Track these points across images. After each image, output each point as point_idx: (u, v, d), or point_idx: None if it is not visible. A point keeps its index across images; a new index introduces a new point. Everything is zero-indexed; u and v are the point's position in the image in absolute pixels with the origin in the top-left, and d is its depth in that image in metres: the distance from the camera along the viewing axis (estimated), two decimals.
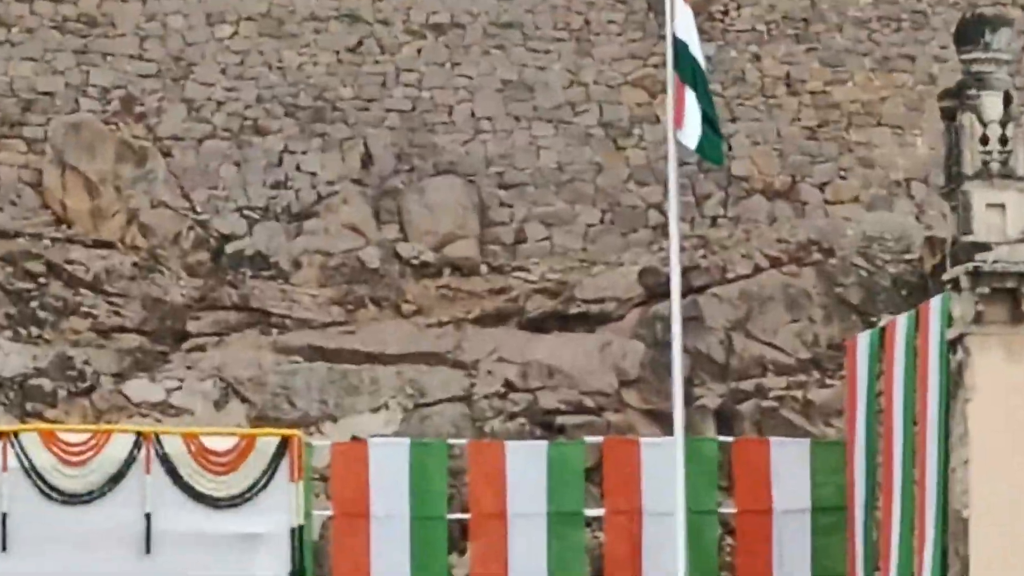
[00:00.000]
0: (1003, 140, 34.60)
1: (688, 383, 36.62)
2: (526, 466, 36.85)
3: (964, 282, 34.40)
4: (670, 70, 34.20)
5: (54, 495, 27.89)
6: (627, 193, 41.86)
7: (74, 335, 39.19)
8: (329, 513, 34.60)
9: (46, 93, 41.11)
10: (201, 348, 39.38)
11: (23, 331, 38.83)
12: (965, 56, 35.04)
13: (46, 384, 37.70)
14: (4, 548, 27.78)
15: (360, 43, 43.05)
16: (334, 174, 40.90)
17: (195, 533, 27.98)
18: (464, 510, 36.87)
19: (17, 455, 27.90)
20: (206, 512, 28.14)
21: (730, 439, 38.27)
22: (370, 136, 41.47)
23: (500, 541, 36.67)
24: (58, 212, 40.68)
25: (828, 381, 39.86)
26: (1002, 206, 34.99)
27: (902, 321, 35.70)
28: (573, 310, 40.56)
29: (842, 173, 43.07)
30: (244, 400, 37.90)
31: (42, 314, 39.48)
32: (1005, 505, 32.81)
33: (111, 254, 40.45)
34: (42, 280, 39.66)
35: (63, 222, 40.51)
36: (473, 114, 41.55)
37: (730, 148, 41.45)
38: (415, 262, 40.53)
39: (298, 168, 41.08)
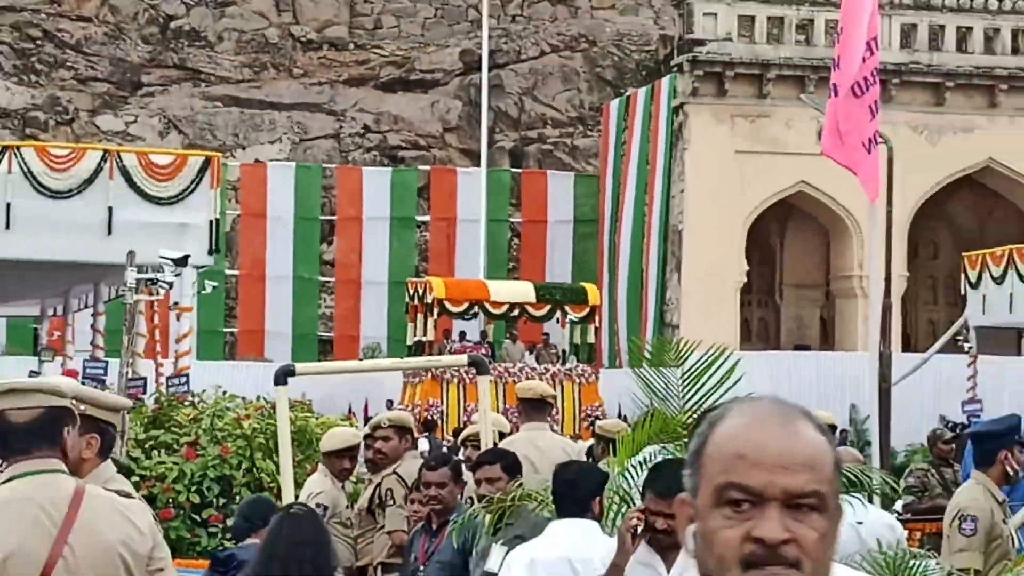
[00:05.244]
0: None
1: (491, 131, 46.10)
2: (376, 184, 45.87)
3: (686, 67, 43.58)
4: None
5: (44, 192, 29.39)
6: (451, 24, 49.42)
7: (61, 82, 46.07)
8: (238, 213, 43.08)
9: None
10: (151, 94, 46.81)
11: (25, 78, 45.77)
12: None
13: (40, 116, 44.71)
14: (8, 228, 29.16)
15: None
16: None
17: (143, 222, 28.87)
18: (332, 213, 46.08)
19: (19, 163, 29.33)
20: (152, 208, 29.51)
21: (519, 171, 47.66)
22: None
23: (356, 236, 45.99)
24: None
25: (589, 133, 48.72)
26: (715, 14, 43.81)
27: (642, 93, 45.06)
28: (413, 77, 48.37)
29: None
30: (180, 131, 45.00)
31: (39, 66, 46.00)
32: (708, 221, 42.74)
33: (89, 26, 46.53)
34: (40, 42, 46.06)
35: (55, 2, 46.70)
36: None
37: None
38: (303, 40, 47.92)
39: None
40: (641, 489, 7.14)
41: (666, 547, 6.64)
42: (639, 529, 6.78)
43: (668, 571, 6.66)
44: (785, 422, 2.63)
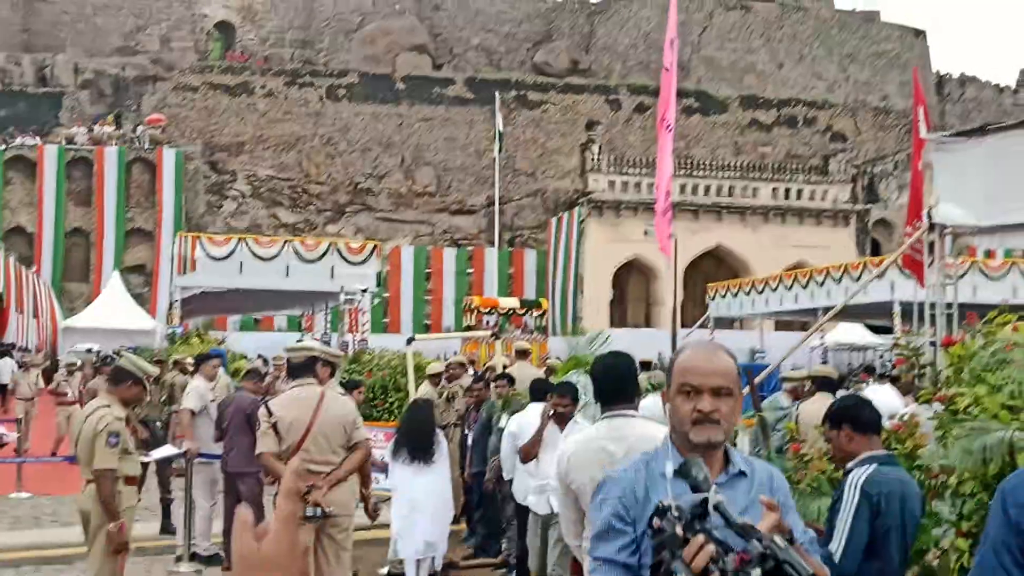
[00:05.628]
0: (600, 158, 42.41)
1: (500, 232, 45.24)
2: (449, 257, 44.64)
3: (585, 204, 41.93)
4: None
5: (303, 260, 26.66)
6: (482, 173, 47.36)
7: (308, 210, 45.68)
8: (387, 268, 40.92)
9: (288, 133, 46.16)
10: (350, 216, 46.12)
11: (293, 209, 45.45)
12: (591, 138, 43.36)
13: (300, 225, 44.44)
14: (288, 275, 26.52)
15: None
16: (392, 164, 46.88)
17: (347, 273, 26.39)
18: (429, 269, 44.06)
19: (292, 248, 26.95)
20: (350, 266, 26.67)
21: (512, 249, 46.22)
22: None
23: (440, 280, 44.16)
24: (305, 171, 46.16)
25: (542, 234, 46.69)
26: (598, 179, 42.22)
27: (566, 215, 43.01)
28: (465, 208, 47.14)
29: (559, 158, 47.67)
30: (363, 232, 44.28)
31: (299, 203, 45.64)
32: (595, 273, 40.89)
33: (322, 186, 46.03)
34: (300, 192, 45.71)
35: (307, 175, 46.11)
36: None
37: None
38: (416, 192, 46.86)
39: (380, 164, 46.72)
40: (552, 392, 6.91)
41: (562, 421, 6.50)
42: (551, 412, 6.62)
43: (562, 433, 6.59)
44: (712, 352, 2.60)
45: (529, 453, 6.95)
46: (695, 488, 2.07)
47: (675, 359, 2.66)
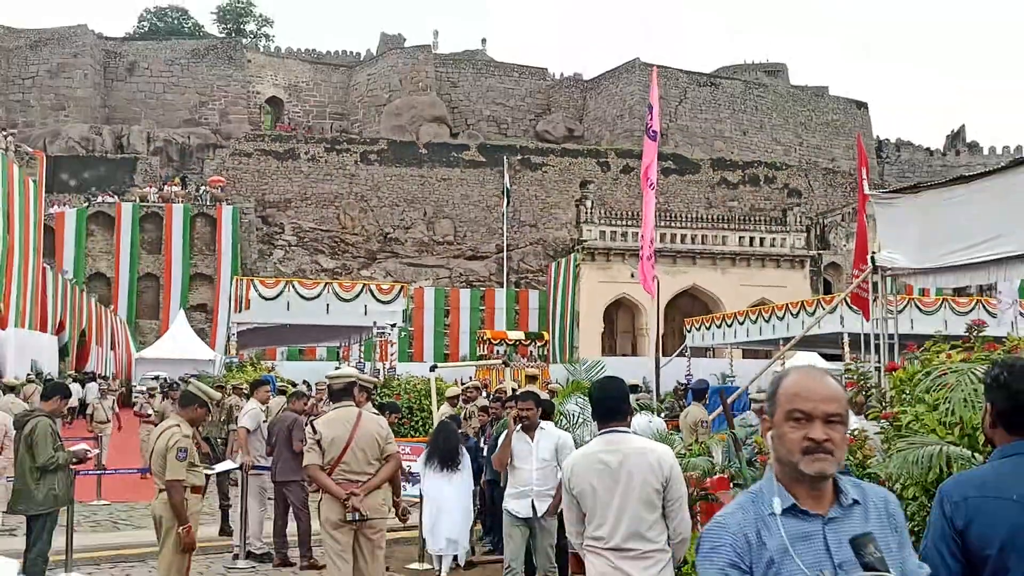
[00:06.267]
0: (592, 211, 41.33)
1: (507, 275, 44.62)
2: (465, 296, 43.73)
3: (580, 250, 41.28)
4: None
5: (341, 299, 24.54)
6: (492, 224, 47.23)
7: (344, 256, 45.06)
8: (412, 306, 39.87)
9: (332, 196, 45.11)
10: (380, 262, 45.51)
11: (332, 256, 44.68)
12: (584, 194, 42.63)
13: (339, 271, 43.84)
14: (327, 313, 24.53)
15: None
16: (416, 217, 46.34)
17: (378, 311, 24.76)
18: (448, 307, 43.27)
19: (332, 290, 24.96)
20: (381, 305, 24.68)
21: (518, 290, 45.60)
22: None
23: (457, 315, 43.19)
24: (342, 224, 45.74)
25: (543, 276, 46.24)
26: (591, 230, 41.14)
27: (564, 260, 42.49)
28: (478, 255, 46.63)
29: (558, 212, 47.28)
30: (392, 276, 43.85)
31: (337, 251, 45.11)
32: (590, 309, 39.92)
33: (357, 237, 45.50)
34: (337, 241, 45.18)
35: (343, 227, 45.66)
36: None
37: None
38: (436, 241, 46.35)
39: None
40: (515, 400, 6.69)
41: (527, 428, 6.30)
42: (517, 419, 6.40)
43: (532, 440, 6.36)
44: (820, 376, 2.21)
45: (500, 461, 6.53)
46: (868, 567, 1.83)
47: (779, 384, 2.24)
